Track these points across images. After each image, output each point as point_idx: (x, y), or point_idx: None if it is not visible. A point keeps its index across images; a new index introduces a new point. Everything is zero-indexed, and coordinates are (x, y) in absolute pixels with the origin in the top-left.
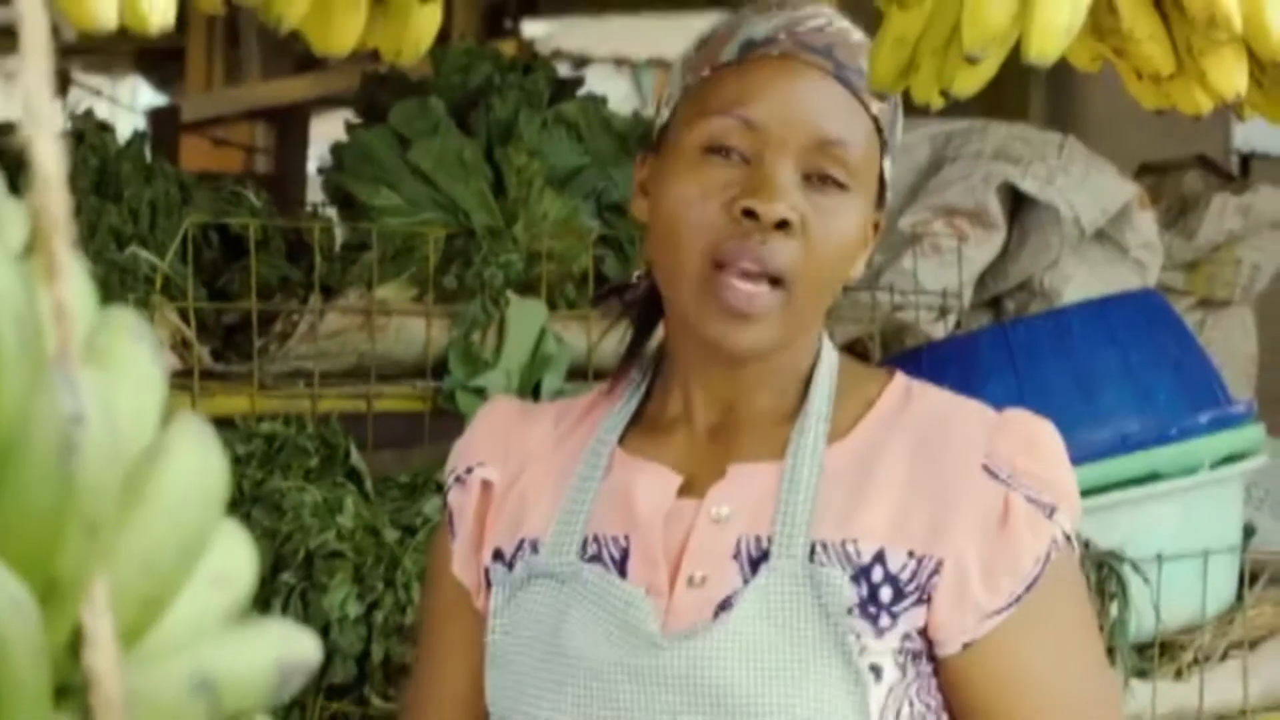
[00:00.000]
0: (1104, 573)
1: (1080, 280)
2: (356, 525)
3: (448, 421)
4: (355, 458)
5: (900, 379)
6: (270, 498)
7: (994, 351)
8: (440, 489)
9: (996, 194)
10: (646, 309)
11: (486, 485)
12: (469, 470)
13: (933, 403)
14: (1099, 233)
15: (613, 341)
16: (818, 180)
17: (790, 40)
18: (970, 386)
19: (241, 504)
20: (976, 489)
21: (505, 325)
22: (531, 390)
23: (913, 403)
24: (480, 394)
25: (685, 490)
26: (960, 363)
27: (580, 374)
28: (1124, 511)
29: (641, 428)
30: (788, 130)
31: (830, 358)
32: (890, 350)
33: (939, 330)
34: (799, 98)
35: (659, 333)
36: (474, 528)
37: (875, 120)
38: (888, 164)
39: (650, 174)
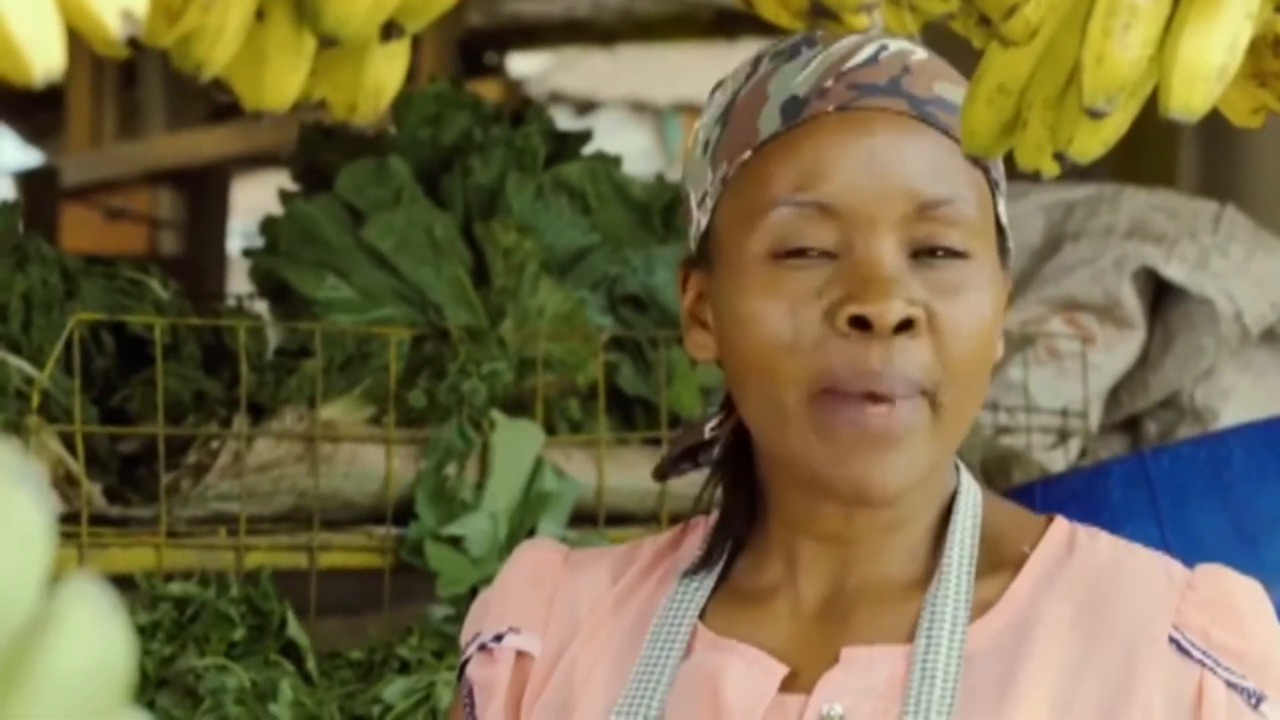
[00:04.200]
0: None
1: (1243, 395)
2: (295, 716)
3: (413, 580)
4: (293, 628)
5: (1062, 526)
6: (182, 680)
7: (1130, 489)
8: (405, 667)
9: (1132, 282)
10: (734, 463)
11: (522, 658)
12: (498, 637)
13: (1102, 554)
14: (1268, 332)
15: (629, 476)
16: (929, 256)
17: (843, 86)
18: None
19: (144, 689)
20: (1161, 668)
21: (489, 454)
22: (525, 539)
23: (1076, 555)
24: (456, 545)
25: (789, 682)
26: (1085, 503)
27: (588, 518)
28: None
29: (729, 595)
30: (878, 204)
31: (972, 499)
32: (993, 486)
33: (1057, 460)
34: (881, 158)
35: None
36: (505, 714)
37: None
38: (1002, 205)
39: (704, 298)
